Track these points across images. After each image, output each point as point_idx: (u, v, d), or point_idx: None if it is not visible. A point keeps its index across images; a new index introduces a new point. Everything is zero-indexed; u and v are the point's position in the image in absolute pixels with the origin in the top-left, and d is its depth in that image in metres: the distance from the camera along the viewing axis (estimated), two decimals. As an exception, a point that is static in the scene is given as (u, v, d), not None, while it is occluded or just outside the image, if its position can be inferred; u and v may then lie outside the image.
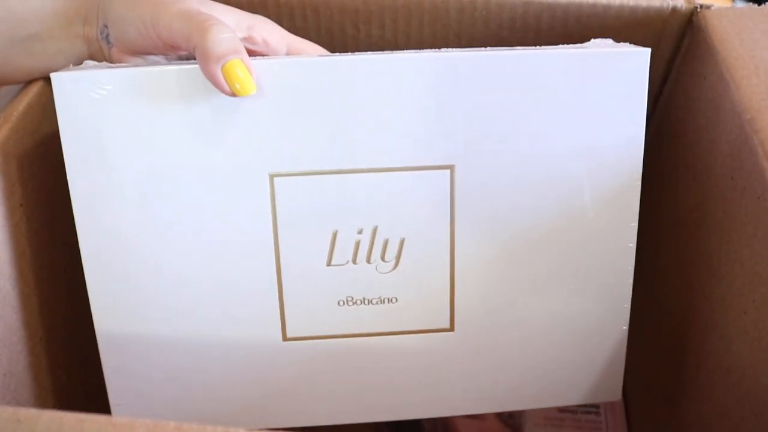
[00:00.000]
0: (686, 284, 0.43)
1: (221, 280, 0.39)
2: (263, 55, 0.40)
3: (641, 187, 0.39)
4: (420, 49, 0.43)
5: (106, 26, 0.38)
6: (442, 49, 0.39)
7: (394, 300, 0.40)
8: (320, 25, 0.46)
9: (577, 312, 0.41)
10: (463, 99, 0.37)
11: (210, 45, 0.34)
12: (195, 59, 0.35)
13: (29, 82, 0.41)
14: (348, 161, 0.38)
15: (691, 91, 0.43)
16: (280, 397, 0.42)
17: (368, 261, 0.40)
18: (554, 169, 0.39)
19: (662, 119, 0.48)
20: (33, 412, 0.23)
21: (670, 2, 0.43)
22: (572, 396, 0.44)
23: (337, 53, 0.40)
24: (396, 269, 0.40)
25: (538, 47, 0.39)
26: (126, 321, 0.40)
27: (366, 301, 0.40)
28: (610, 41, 0.40)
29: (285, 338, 0.41)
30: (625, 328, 0.42)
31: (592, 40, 0.40)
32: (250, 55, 0.37)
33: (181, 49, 0.37)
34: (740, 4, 0.58)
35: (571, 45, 0.39)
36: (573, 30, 0.44)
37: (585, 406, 0.55)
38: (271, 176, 0.38)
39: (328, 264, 0.39)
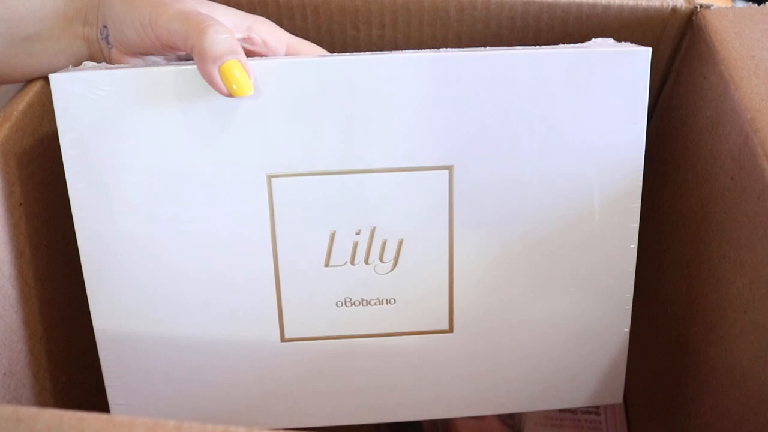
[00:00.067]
0: (686, 284, 0.43)
1: (219, 280, 0.39)
2: (262, 56, 0.40)
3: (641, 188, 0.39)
4: (420, 49, 0.43)
5: (105, 27, 0.38)
6: (441, 49, 0.39)
7: (392, 301, 0.40)
8: (320, 25, 0.45)
9: (577, 314, 0.41)
10: (461, 99, 0.37)
11: (207, 46, 0.34)
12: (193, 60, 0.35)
13: (29, 82, 0.41)
14: (346, 162, 0.38)
15: (691, 91, 0.43)
16: (278, 397, 0.42)
17: (366, 262, 0.39)
18: (554, 170, 0.38)
19: (662, 119, 0.48)
20: (33, 410, 0.23)
21: (670, 2, 0.43)
22: (573, 399, 0.43)
23: (336, 53, 0.40)
24: (394, 270, 0.40)
25: (537, 47, 0.39)
26: (124, 321, 0.40)
27: (364, 302, 0.40)
28: (611, 41, 0.40)
29: (283, 339, 0.41)
30: (627, 330, 0.42)
31: (593, 39, 0.40)
32: (249, 56, 0.37)
33: (179, 49, 0.37)
34: (740, 4, 0.58)
35: (571, 45, 0.39)
36: (573, 30, 0.44)
37: (585, 406, 0.55)
38: (269, 177, 0.38)
39: (326, 265, 0.39)
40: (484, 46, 0.40)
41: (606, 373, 0.43)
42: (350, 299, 0.40)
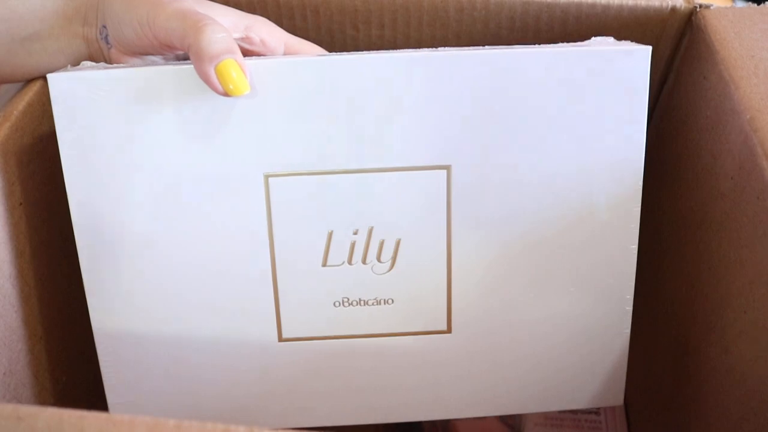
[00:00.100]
0: (686, 284, 0.43)
1: (216, 279, 0.39)
2: (261, 56, 0.40)
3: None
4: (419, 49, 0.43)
5: (105, 27, 0.38)
6: (439, 48, 0.39)
7: (390, 301, 0.40)
8: (320, 25, 0.45)
9: (577, 315, 0.41)
10: (459, 98, 0.37)
11: (204, 44, 0.34)
12: None
13: (29, 81, 0.41)
14: (343, 161, 0.38)
15: (690, 91, 0.43)
16: (275, 397, 0.42)
17: (364, 262, 0.39)
18: (553, 169, 0.38)
19: (662, 119, 0.48)
20: (33, 409, 0.23)
21: (670, 2, 0.43)
22: (573, 400, 0.43)
23: (333, 53, 0.40)
24: (392, 270, 0.40)
25: (536, 45, 0.38)
26: (122, 320, 0.40)
27: (362, 302, 0.40)
28: (611, 39, 0.40)
29: (281, 339, 0.41)
30: (627, 331, 0.41)
31: (593, 38, 0.40)
32: (247, 56, 0.37)
33: (177, 48, 0.37)
34: (740, 4, 0.58)
35: (571, 43, 0.39)
36: (572, 30, 0.44)
37: (586, 408, 0.55)
38: (266, 176, 0.38)
39: (324, 264, 0.39)
40: (484, 46, 0.40)
41: (606, 375, 0.42)
42: (348, 299, 0.40)
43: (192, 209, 0.38)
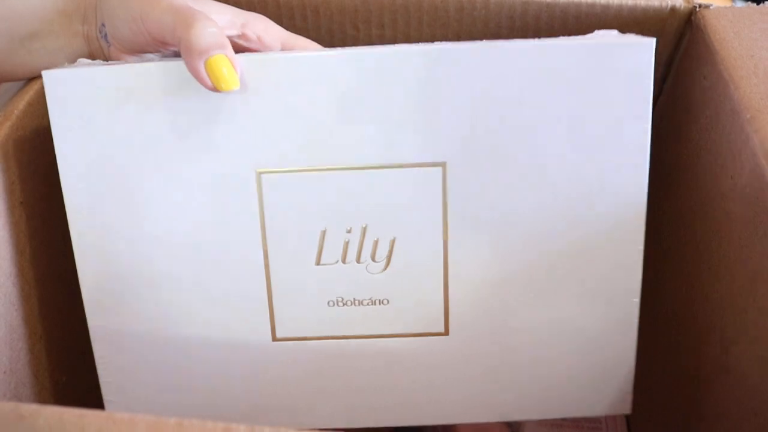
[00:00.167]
0: (686, 284, 0.43)
1: (210, 278, 0.39)
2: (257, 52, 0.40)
3: None
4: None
5: (103, 25, 0.38)
6: (435, 42, 0.38)
7: (385, 302, 0.39)
8: (320, 25, 0.46)
9: (579, 318, 0.40)
10: (455, 93, 0.36)
11: (194, 39, 0.34)
12: None
13: (30, 80, 0.41)
14: (336, 158, 0.37)
15: (690, 91, 0.43)
16: (269, 397, 0.41)
17: (358, 261, 0.39)
18: (553, 167, 0.37)
19: (661, 119, 0.48)
20: (34, 407, 0.23)
21: (669, 2, 0.43)
22: (578, 408, 0.42)
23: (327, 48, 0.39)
24: (387, 270, 0.39)
25: (536, 39, 0.37)
26: (117, 319, 0.40)
27: (357, 302, 0.39)
28: (614, 32, 0.38)
29: (274, 338, 0.40)
30: (634, 335, 0.40)
31: (596, 31, 0.38)
32: (244, 53, 0.37)
33: (169, 44, 0.37)
34: (739, 4, 0.58)
35: (573, 36, 0.37)
36: (572, 29, 0.44)
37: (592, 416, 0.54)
38: (258, 173, 0.37)
39: (317, 263, 0.39)
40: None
41: (612, 382, 0.41)
42: (342, 299, 0.39)
43: (185, 205, 0.38)
